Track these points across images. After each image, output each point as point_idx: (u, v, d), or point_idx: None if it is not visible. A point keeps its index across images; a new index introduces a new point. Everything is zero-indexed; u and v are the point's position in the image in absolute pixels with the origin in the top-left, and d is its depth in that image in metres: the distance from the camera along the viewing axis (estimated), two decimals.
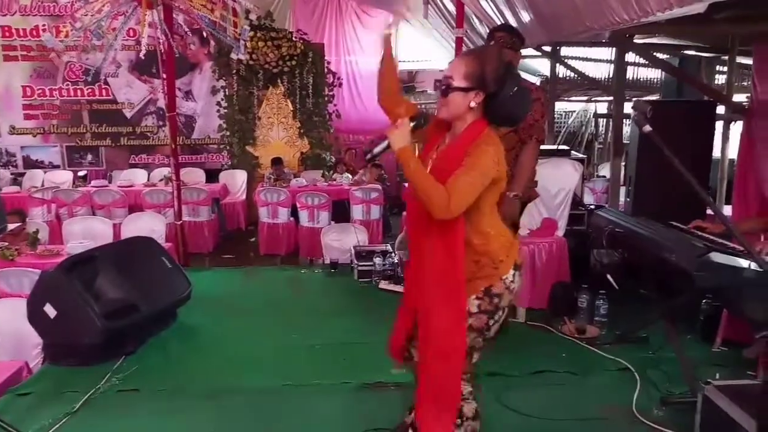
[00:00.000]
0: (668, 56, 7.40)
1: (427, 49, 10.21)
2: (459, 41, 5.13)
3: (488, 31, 3.86)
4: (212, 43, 6.31)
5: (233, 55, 6.95)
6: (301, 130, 8.57)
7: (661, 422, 2.86)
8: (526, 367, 3.44)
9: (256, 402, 3.14)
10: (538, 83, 9.70)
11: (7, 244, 4.83)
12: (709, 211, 6.37)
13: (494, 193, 2.09)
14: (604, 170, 9.03)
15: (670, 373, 3.26)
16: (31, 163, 9.37)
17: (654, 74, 9.23)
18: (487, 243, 2.10)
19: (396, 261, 4.97)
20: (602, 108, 11.03)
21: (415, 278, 2.24)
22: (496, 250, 2.11)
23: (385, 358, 3.16)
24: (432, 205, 1.94)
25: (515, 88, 2.04)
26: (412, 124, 2.03)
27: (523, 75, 8.48)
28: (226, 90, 8.58)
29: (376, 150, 2.06)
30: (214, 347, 3.87)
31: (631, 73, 9.23)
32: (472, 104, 2.05)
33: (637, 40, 5.62)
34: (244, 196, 8.45)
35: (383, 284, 4.74)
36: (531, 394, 3.18)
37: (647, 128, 2.23)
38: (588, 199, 7.27)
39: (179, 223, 6.13)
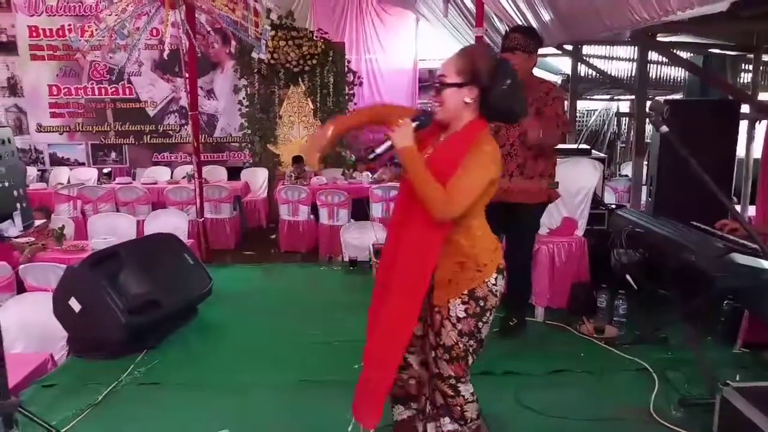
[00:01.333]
0: (692, 54, 7.30)
1: (447, 48, 10.18)
2: (479, 40, 5.10)
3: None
4: (234, 42, 6.37)
5: (254, 55, 7.03)
6: None
7: (678, 423, 2.84)
8: (544, 367, 3.44)
9: (274, 397, 3.17)
10: (559, 82, 9.65)
11: (33, 239, 4.94)
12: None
13: (487, 194, 2.09)
14: (627, 169, 8.94)
15: (688, 375, 3.23)
16: (57, 161, 9.55)
17: (678, 73, 9.11)
18: (474, 245, 2.11)
19: None
20: (625, 107, 10.93)
21: (383, 271, 2.22)
22: (481, 253, 2.12)
23: None
24: (432, 206, 1.97)
25: (508, 81, 2.04)
26: (414, 124, 2.03)
27: (545, 74, 8.48)
28: (248, 89, 8.66)
29: (379, 150, 2.05)
30: (234, 342, 3.93)
31: (654, 71, 9.13)
32: (467, 99, 2.05)
33: (661, 38, 5.57)
34: (265, 194, 8.52)
35: None
36: (549, 394, 3.17)
37: (664, 128, 2.22)
38: (610, 198, 7.20)
39: (201, 220, 6.23)
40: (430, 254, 2.07)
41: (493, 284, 2.14)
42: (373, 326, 2.23)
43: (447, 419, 2.26)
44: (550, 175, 3.71)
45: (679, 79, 9.13)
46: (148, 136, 9.52)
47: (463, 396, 2.23)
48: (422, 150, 2.07)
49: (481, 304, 2.13)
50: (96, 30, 6.72)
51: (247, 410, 3.06)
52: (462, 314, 2.12)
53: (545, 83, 3.67)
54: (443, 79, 2.05)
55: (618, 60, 9.03)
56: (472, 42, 5.48)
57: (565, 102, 3.71)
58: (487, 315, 2.17)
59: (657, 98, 5.66)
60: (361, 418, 2.27)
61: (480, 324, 2.15)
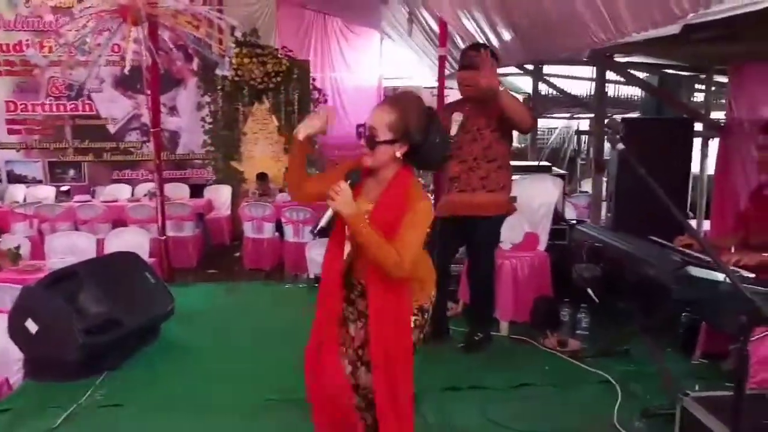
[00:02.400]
0: (648, 74, 7.53)
1: (411, 66, 10.32)
2: (442, 60, 5.19)
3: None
4: (197, 59, 6.34)
5: (218, 72, 7.01)
6: (286, 146, 8.60)
7: None
8: (509, 380, 3.47)
9: (240, 417, 3.13)
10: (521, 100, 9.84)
11: None
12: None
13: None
14: (587, 186, 9.13)
15: (650, 386, 3.30)
16: (14, 178, 9.29)
17: (635, 91, 9.38)
18: (416, 270, 2.15)
19: None
20: (584, 125, 11.20)
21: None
22: (423, 275, 2.23)
23: None
24: (388, 267, 2.01)
25: (437, 139, 2.12)
26: (348, 183, 2.00)
27: None
28: (211, 106, 8.61)
29: (323, 222, 2.03)
30: (198, 362, 3.86)
31: (613, 90, 9.38)
32: (398, 154, 2.09)
33: (618, 59, 5.73)
34: (228, 211, 8.45)
35: None
36: (514, 407, 3.20)
37: (620, 146, 2.29)
38: (571, 214, 7.32)
39: (163, 238, 6.13)
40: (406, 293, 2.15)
41: (433, 296, 2.30)
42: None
43: None
44: (510, 187, 3.78)
45: (636, 97, 9.39)
46: (109, 153, 9.36)
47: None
48: (356, 198, 2.04)
49: (426, 316, 2.28)
50: (56, 45, 6.62)
51: (212, 430, 3.01)
52: (412, 325, 2.22)
53: None
54: (375, 133, 2.06)
55: (577, 79, 9.25)
56: (435, 62, 5.56)
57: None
58: (425, 328, 2.32)
59: (613, 117, 5.80)
60: None
61: (420, 335, 2.28)
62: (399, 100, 2.15)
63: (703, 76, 6.80)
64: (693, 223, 6.71)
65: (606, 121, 4.36)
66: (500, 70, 4.49)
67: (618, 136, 2.36)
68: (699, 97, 7.66)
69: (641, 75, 7.55)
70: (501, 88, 3.39)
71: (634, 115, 9.11)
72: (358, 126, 2.11)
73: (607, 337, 3.86)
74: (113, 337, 3.58)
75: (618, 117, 6.03)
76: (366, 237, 1.99)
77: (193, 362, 3.87)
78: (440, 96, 5.30)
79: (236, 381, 3.55)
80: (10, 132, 9.21)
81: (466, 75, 3.59)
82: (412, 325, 2.19)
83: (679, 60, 6.22)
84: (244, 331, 4.41)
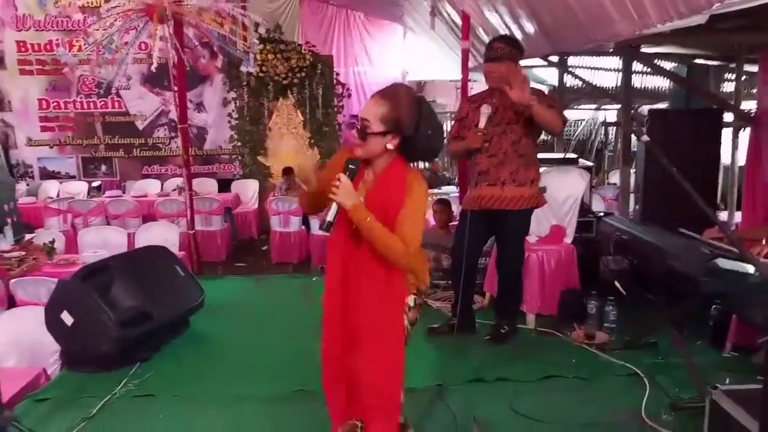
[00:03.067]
0: (676, 64, 7.42)
1: (434, 60, 10.29)
2: (465, 53, 5.18)
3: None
4: (222, 56, 6.41)
5: (243, 68, 7.06)
6: (311, 141, 8.66)
7: (669, 427, 2.88)
8: (536, 373, 3.46)
9: (267, 408, 3.18)
10: (546, 92, 9.75)
11: (24, 253, 4.92)
12: (720, 218, 6.39)
13: None
14: (614, 178, 9.04)
15: (679, 379, 3.27)
16: (47, 174, 9.52)
17: (663, 82, 9.24)
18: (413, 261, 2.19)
19: None
20: (612, 116, 11.05)
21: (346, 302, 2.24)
22: (417, 267, 2.25)
23: None
24: (395, 256, 2.05)
25: (429, 131, 2.12)
26: (347, 175, 2.03)
27: (531, 85, 8.45)
28: (237, 101, 8.68)
29: (330, 217, 2.06)
30: (227, 354, 3.93)
31: (640, 80, 9.23)
32: (389, 146, 2.11)
33: (645, 49, 5.66)
34: (256, 206, 8.54)
35: None
36: (540, 400, 3.20)
37: (645, 138, 2.27)
38: (598, 206, 7.26)
39: (192, 232, 6.23)
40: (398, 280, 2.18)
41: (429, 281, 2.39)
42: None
43: None
44: (538, 181, 3.77)
45: (663, 88, 9.25)
46: (138, 149, 9.52)
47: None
48: (357, 188, 2.09)
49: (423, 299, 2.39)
50: (84, 44, 6.74)
51: (240, 421, 3.07)
52: (412, 304, 2.31)
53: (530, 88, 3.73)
54: (367, 124, 2.08)
55: (604, 70, 9.14)
56: (459, 55, 5.54)
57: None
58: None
59: (639, 109, 5.73)
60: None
61: (417, 316, 2.36)
62: (391, 92, 2.14)
63: (733, 66, 6.67)
64: (724, 215, 6.62)
65: (630, 113, 4.32)
66: (524, 62, 4.48)
67: (643, 128, 2.33)
68: (729, 86, 7.52)
69: (669, 65, 7.45)
70: (533, 101, 3.40)
71: (663, 105, 8.99)
72: (352, 116, 2.13)
73: (635, 330, 3.83)
74: (145, 329, 3.66)
75: (645, 108, 5.94)
76: (370, 226, 2.02)
77: (222, 354, 3.93)
78: (464, 89, 5.29)
79: (265, 372, 3.61)
80: (44, 129, 9.43)
81: (493, 67, 3.60)
82: (412, 304, 2.26)
83: (708, 50, 6.11)
84: (272, 324, 4.47)
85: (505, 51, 3.57)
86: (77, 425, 2.97)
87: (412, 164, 2.24)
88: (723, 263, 3.02)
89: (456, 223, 4.52)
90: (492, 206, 3.69)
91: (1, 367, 3.35)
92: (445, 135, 2.25)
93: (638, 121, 2.24)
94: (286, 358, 3.79)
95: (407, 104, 2.10)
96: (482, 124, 3.60)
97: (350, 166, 2.07)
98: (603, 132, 11.76)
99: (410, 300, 2.28)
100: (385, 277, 2.14)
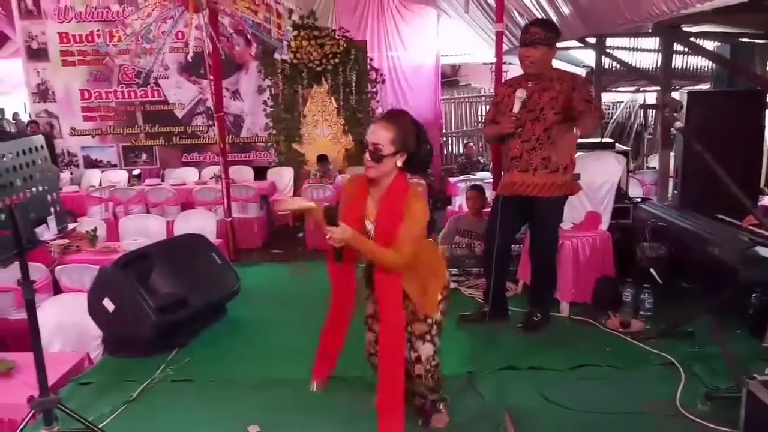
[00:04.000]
0: (719, 44, 7.18)
1: (469, 43, 10.18)
2: (499, 36, 5.10)
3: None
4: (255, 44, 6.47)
5: (277, 56, 7.11)
6: (346, 127, 8.68)
7: (704, 417, 2.83)
8: (568, 361, 3.44)
9: (303, 392, 3.22)
10: (583, 74, 9.56)
11: (68, 241, 5.09)
12: (761, 203, 6.20)
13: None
14: (654, 162, 8.83)
15: (715, 368, 3.21)
16: (90, 163, 9.79)
17: (705, 62, 8.95)
18: (429, 261, 2.64)
19: None
20: (651, 98, 10.76)
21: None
22: (435, 265, 2.71)
23: None
24: (388, 263, 2.42)
25: (428, 146, 2.52)
26: (330, 221, 2.32)
27: (570, 67, 8.42)
28: (272, 89, 8.76)
29: (338, 254, 2.42)
30: (263, 339, 4.01)
31: (680, 61, 8.97)
32: (399, 163, 2.44)
33: (687, 28, 5.49)
34: (291, 193, 8.62)
35: None
36: (573, 388, 3.18)
37: (678, 125, 2.23)
38: (637, 191, 7.12)
39: (229, 219, 6.34)
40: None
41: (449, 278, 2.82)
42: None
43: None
44: (572, 167, 3.72)
45: (706, 68, 8.96)
46: (177, 137, 9.70)
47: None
48: (357, 207, 2.52)
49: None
50: (123, 35, 6.87)
51: (276, 406, 3.13)
52: (443, 307, 2.69)
53: (566, 73, 3.70)
54: (380, 148, 2.39)
55: (643, 51, 8.90)
56: (493, 38, 5.47)
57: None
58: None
59: (671, 94, 5.54)
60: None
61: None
62: (394, 116, 2.49)
63: None
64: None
65: (662, 98, 4.20)
66: (561, 44, 4.40)
67: (676, 115, 2.27)
68: None
69: (712, 44, 7.21)
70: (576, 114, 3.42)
71: (705, 87, 8.72)
72: (369, 144, 2.41)
73: (671, 318, 3.77)
74: (182, 315, 3.76)
75: (685, 90, 5.76)
76: (365, 251, 2.42)
77: (259, 339, 4.01)
78: (498, 72, 5.22)
79: (300, 357, 3.63)
80: (86, 119, 9.68)
81: (528, 52, 3.55)
82: (440, 297, 2.65)
83: (753, 27, 5.90)
84: (307, 310, 4.49)
85: (540, 36, 3.51)
86: (119, 408, 3.08)
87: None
88: (763, 251, 2.93)
89: (490, 209, 4.50)
90: (523, 192, 3.66)
91: (47, 351, 3.49)
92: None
93: (671, 107, 2.18)
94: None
95: (409, 125, 2.45)
96: (516, 108, 3.56)
97: (330, 215, 2.35)
98: (642, 115, 11.47)
99: (438, 294, 2.63)
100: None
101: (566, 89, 3.51)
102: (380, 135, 2.39)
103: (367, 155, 2.41)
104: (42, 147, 2.66)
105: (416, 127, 2.46)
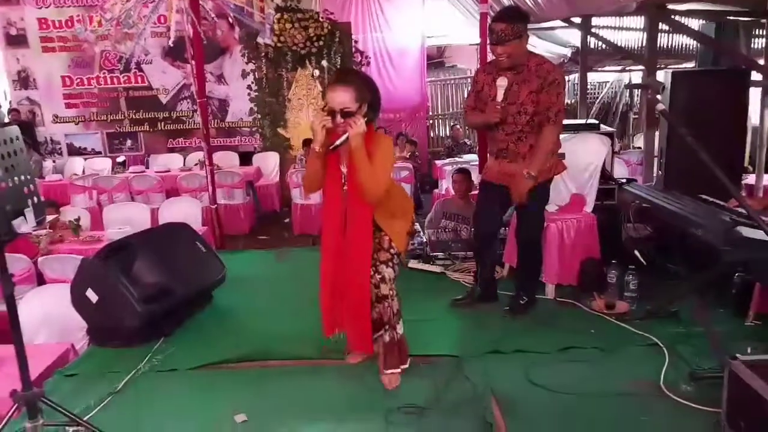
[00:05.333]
0: (704, 22, 7.17)
1: (454, 24, 10.11)
2: (484, 17, 5.06)
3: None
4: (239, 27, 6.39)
5: (260, 40, 7.02)
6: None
7: (688, 398, 2.85)
8: (554, 344, 3.45)
9: (290, 379, 3.23)
10: (569, 54, 9.52)
11: (51, 231, 5.04)
12: (745, 182, 6.23)
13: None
14: (640, 141, 8.85)
15: (700, 348, 3.23)
16: (74, 150, 9.70)
17: (690, 41, 8.94)
18: (397, 200, 3.04)
19: (425, 240, 5.01)
20: (637, 77, 10.76)
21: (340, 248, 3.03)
22: (404, 204, 3.12)
23: (411, 336, 3.25)
24: (373, 184, 2.76)
25: (377, 91, 2.88)
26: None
27: (554, 47, 8.38)
28: (256, 73, 8.66)
29: (338, 142, 2.76)
30: (249, 326, 3.97)
31: (667, 40, 8.95)
32: (363, 113, 2.76)
33: (673, 6, 5.46)
34: (277, 178, 8.59)
35: (412, 263, 4.77)
36: (559, 371, 3.19)
37: (660, 107, 2.21)
38: (622, 171, 7.13)
39: (214, 207, 6.29)
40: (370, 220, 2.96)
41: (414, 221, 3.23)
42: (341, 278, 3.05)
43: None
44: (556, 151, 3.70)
45: (691, 47, 8.96)
46: (162, 123, 9.62)
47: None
48: (337, 160, 2.93)
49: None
50: (103, 20, 6.76)
51: (264, 393, 3.13)
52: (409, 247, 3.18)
53: (544, 64, 3.56)
54: (348, 109, 2.72)
55: (629, 30, 8.87)
56: (477, 18, 5.43)
57: (566, 83, 3.63)
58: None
59: (653, 76, 5.51)
60: (361, 347, 3.19)
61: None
62: (346, 76, 2.89)
63: (764, 21, 6.43)
64: (752, 177, 6.45)
65: (646, 79, 4.19)
66: (544, 25, 4.35)
67: (658, 96, 2.26)
68: (760, 44, 7.26)
69: (697, 23, 7.20)
70: (533, 173, 3.51)
71: (691, 65, 8.72)
72: (334, 111, 2.75)
73: (655, 299, 3.79)
74: (167, 305, 3.73)
75: (670, 70, 5.75)
76: (362, 156, 2.71)
77: (246, 326, 3.97)
78: (482, 53, 5.19)
79: (286, 344, 3.64)
80: (68, 106, 9.57)
81: (500, 50, 3.48)
82: (407, 234, 3.10)
83: (738, 5, 5.89)
84: (294, 296, 4.49)
85: (509, 32, 3.42)
86: (104, 400, 3.05)
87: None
88: (746, 231, 2.95)
89: (476, 192, 4.49)
90: (509, 182, 3.65)
91: (32, 343, 3.46)
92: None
93: (654, 89, 2.16)
94: (308, 328, 3.81)
95: (360, 78, 2.85)
96: (500, 97, 3.53)
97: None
98: (628, 94, 11.48)
99: (405, 232, 3.07)
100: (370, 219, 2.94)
101: (539, 83, 3.47)
102: (344, 97, 2.72)
103: (338, 118, 2.73)
104: (18, 138, 2.60)
105: (364, 77, 2.89)
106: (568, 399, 2.94)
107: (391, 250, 3.01)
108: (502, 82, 3.50)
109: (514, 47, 3.44)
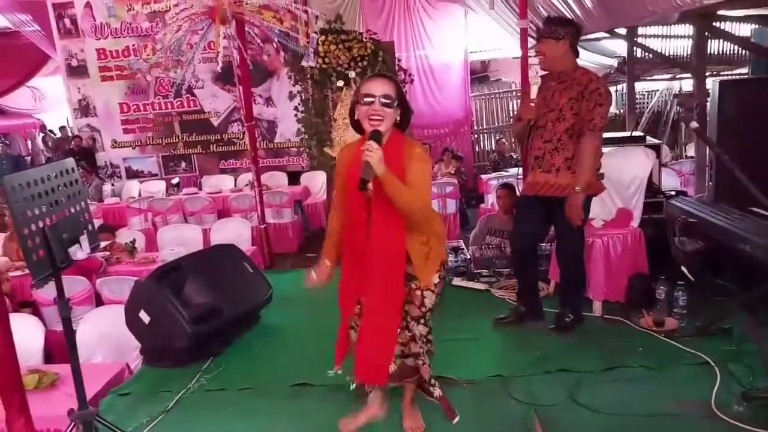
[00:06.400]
0: (757, 26, 6.94)
1: (498, 38, 10.08)
2: (524, 32, 5.05)
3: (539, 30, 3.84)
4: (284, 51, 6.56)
5: (304, 63, 7.18)
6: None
7: (740, 418, 2.77)
8: (600, 363, 3.40)
9: (338, 399, 3.24)
10: (615, 65, 9.36)
11: (108, 254, 5.27)
12: None
13: None
14: (692, 151, 8.60)
15: (752, 367, 3.13)
16: (132, 174, 10.11)
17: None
18: (434, 225, 2.61)
19: (469, 257, 5.00)
20: (688, 85, 10.47)
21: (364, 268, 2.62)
22: (438, 230, 2.66)
23: (455, 355, 3.25)
24: (416, 208, 2.42)
25: (410, 107, 2.60)
26: (375, 141, 2.34)
27: (599, 58, 8.26)
28: (302, 94, 8.84)
29: (364, 176, 2.33)
30: (296, 346, 4.05)
31: (716, 46, 8.70)
32: (397, 118, 2.50)
33: (723, 13, 5.32)
34: (324, 196, 8.69)
35: (456, 281, 4.78)
36: (605, 390, 3.14)
37: (694, 124, 2.19)
38: (674, 182, 6.95)
39: (263, 226, 6.44)
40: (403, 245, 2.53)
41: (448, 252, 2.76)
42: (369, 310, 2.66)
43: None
44: (597, 168, 3.65)
45: (745, 52, 8.66)
46: (214, 145, 9.91)
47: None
48: (359, 165, 2.39)
49: (445, 272, 2.71)
50: (156, 49, 7.04)
51: (312, 413, 3.17)
52: (437, 281, 2.63)
53: (586, 74, 3.54)
54: (390, 97, 2.45)
55: (677, 38, 8.66)
56: (518, 32, 5.42)
57: (610, 96, 3.58)
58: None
59: (685, 93, 5.36)
60: (372, 378, 2.75)
61: (442, 285, 2.68)
62: (386, 75, 2.57)
63: None
64: None
65: (676, 96, 4.10)
66: (590, 36, 4.33)
67: (692, 114, 2.23)
68: None
69: (750, 27, 6.99)
70: (579, 188, 3.47)
71: (743, 71, 8.44)
72: (380, 97, 2.44)
73: (706, 316, 3.68)
74: (215, 325, 3.84)
75: (720, 78, 5.58)
76: (394, 182, 2.36)
77: (293, 346, 4.06)
78: (524, 68, 5.17)
79: (331, 362, 3.68)
80: (126, 131, 9.98)
81: (538, 47, 3.58)
82: (437, 279, 2.62)
83: None
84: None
85: (544, 30, 3.53)
86: (155, 419, 3.17)
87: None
88: None
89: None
90: (546, 192, 3.63)
91: (89, 363, 3.63)
92: None
93: (686, 106, 2.10)
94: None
95: (399, 85, 2.54)
96: (534, 94, 3.57)
97: (376, 135, 2.40)
98: (677, 102, 11.16)
99: (435, 277, 2.61)
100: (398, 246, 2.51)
101: (578, 93, 3.46)
102: (386, 86, 2.47)
103: (377, 105, 2.43)
104: (73, 170, 2.76)
105: (402, 89, 2.59)
106: (613, 419, 2.89)
107: (422, 308, 2.62)
108: (536, 80, 3.54)
109: (549, 46, 3.48)
